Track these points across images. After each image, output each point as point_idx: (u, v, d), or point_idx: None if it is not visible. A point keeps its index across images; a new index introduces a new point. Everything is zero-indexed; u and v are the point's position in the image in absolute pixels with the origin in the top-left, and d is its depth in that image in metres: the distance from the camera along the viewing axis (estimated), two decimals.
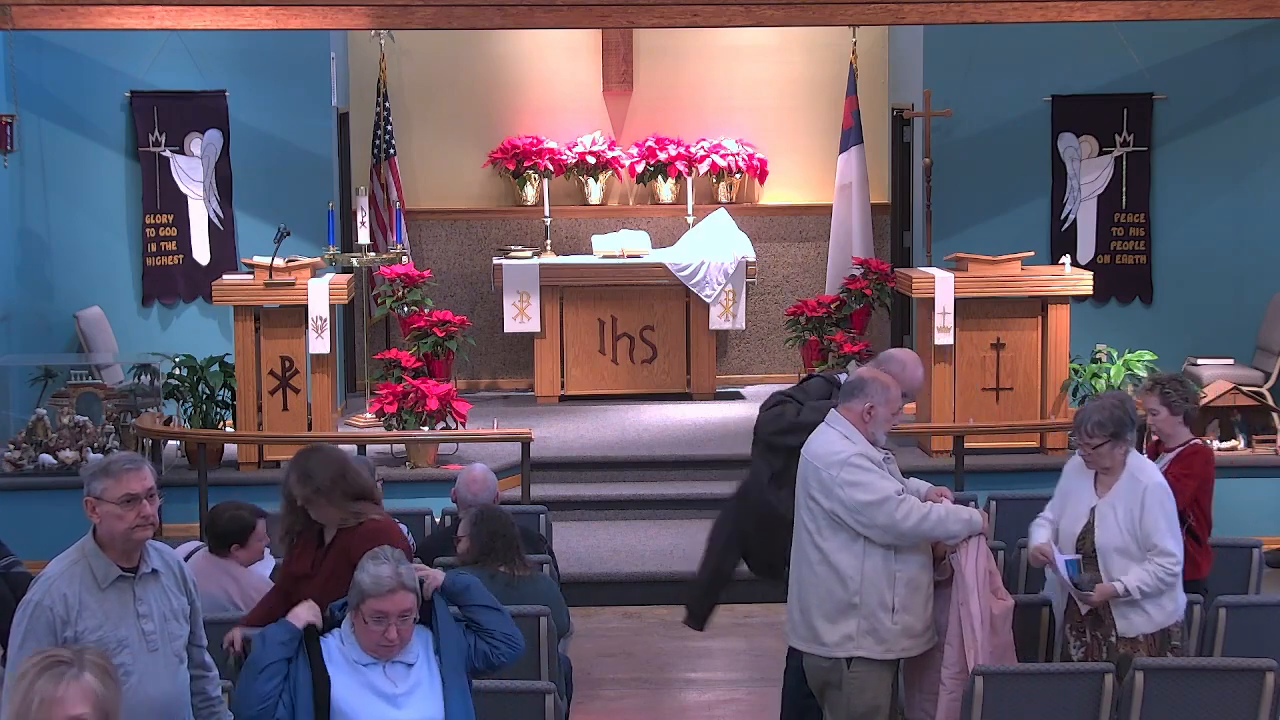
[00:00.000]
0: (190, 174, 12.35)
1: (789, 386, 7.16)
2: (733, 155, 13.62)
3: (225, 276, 11.37)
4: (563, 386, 12.90)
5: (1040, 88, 12.58)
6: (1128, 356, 11.03)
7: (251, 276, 11.01)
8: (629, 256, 12.96)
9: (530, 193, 13.61)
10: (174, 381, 10.88)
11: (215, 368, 10.87)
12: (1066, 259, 11.22)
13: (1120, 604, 6.07)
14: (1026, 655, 6.28)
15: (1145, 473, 6.25)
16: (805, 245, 13.87)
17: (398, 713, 4.79)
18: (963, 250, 11.43)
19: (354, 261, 11.77)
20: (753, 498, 6.97)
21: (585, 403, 12.74)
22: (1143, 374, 10.86)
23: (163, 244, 12.37)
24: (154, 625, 4.76)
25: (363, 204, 11.97)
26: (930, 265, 11.93)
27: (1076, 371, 11.04)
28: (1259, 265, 12.47)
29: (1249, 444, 10.84)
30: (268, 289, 10.80)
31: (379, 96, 13.19)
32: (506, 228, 13.69)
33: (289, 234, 11.07)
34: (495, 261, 12.95)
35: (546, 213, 13.17)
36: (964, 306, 10.87)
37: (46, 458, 10.42)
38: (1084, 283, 11.06)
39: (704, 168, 13.57)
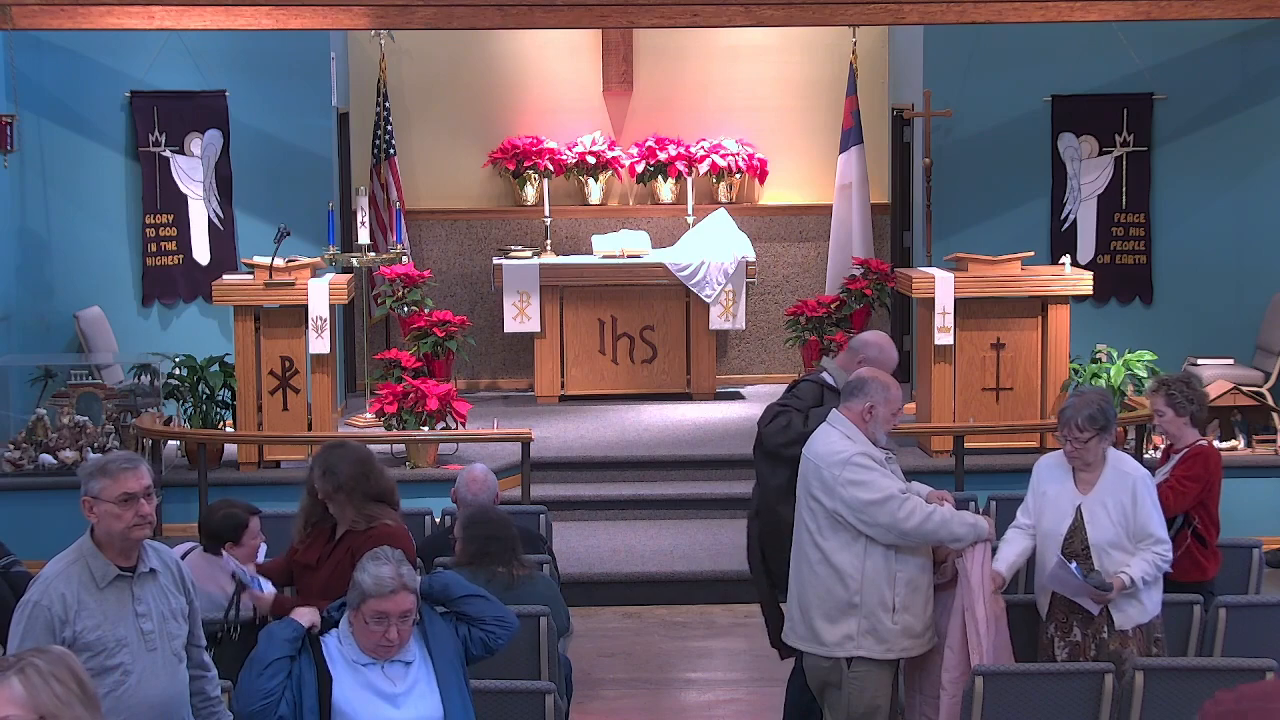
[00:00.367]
0: (190, 174, 12.35)
1: (781, 395, 7.17)
2: (733, 155, 13.62)
3: (225, 276, 11.37)
4: (563, 386, 12.89)
5: (1040, 88, 12.58)
6: (1128, 356, 11.02)
7: (251, 276, 11.01)
8: (629, 256, 12.96)
9: (530, 193, 13.61)
10: (174, 381, 10.88)
11: (215, 368, 10.87)
12: (1066, 259, 11.21)
13: (1119, 597, 6.07)
14: (1025, 655, 6.27)
15: (1128, 464, 6.27)
16: (805, 245, 13.87)
17: (397, 712, 4.79)
18: (963, 250, 11.43)
19: (354, 261, 11.77)
20: (764, 514, 7.00)
21: (585, 403, 12.74)
22: (1143, 374, 10.86)
23: (163, 244, 12.37)
24: (152, 625, 4.76)
25: (363, 204, 11.97)
26: (930, 265, 11.93)
27: (1076, 371, 11.03)
28: (1259, 265, 12.47)
29: (1249, 444, 10.84)
30: (268, 289, 10.80)
31: (379, 96, 13.19)
32: (506, 228, 13.69)
33: (289, 234, 11.07)
34: (495, 261, 12.95)
35: (546, 213, 13.17)
36: (964, 306, 10.86)
37: (46, 458, 10.42)
38: (1084, 283, 11.06)
39: (704, 168, 13.57)
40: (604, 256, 13.01)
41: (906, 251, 13.44)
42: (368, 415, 11.49)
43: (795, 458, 6.44)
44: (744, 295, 12.88)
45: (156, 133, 12.24)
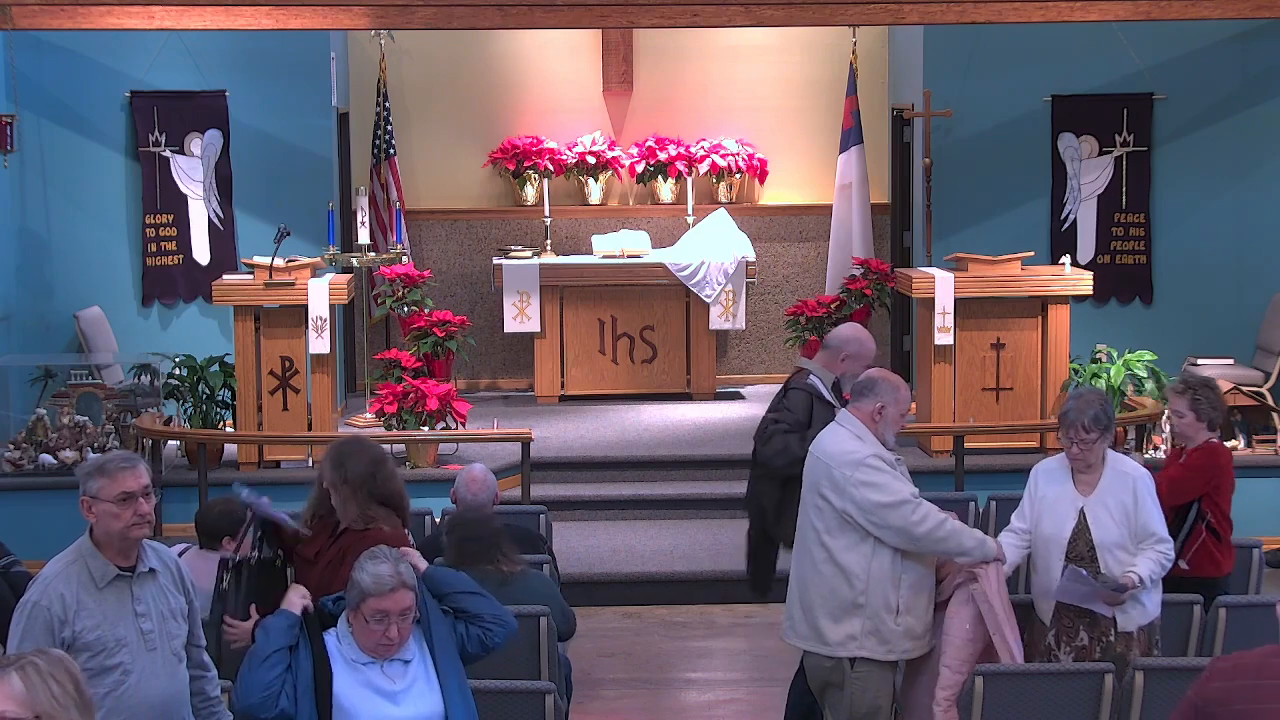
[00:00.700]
0: (190, 174, 12.35)
1: (773, 406, 7.28)
2: (733, 155, 13.62)
3: (225, 276, 11.37)
4: (563, 386, 12.89)
5: (1040, 88, 12.58)
6: (1128, 356, 11.02)
7: (251, 276, 11.01)
8: (629, 256, 12.96)
9: (530, 193, 13.61)
10: (174, 381, 10.88)
11: (215, 368, 10.87)
12: (1066, 259, 11.21)
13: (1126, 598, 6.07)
14: (1025, 655, 6.26)
15: (1126, 464, 6.27)
16: (805, 245, 13.87)
17: (398, 710, 4.79)
18: (963, 250, 11.43)
19: (354, 261, 11.77)
20: (755, 529, 7.34)
21: (585, 403, 12.74)
22: (1143, 374, 10.87)
23: (163, 244, 12.37)
24: (152, 624, 4.76)
25: (363, 204, 11.97)
26: (930, 265, 11.93)
27: (1076, 371, 11.03)
28: (1259, 265, 12.47)
29: (1249, 444, 10.84)
30: (268, 289, 10.80)
31: (379, 96, 13.19)
32: (506, 228, 13.69)
33: (289, 234, 11.07)
34: (495, 261, 12.95)
35: (546, 213, 13.17)
36: (964, 306, 10.86)
37: (46, 458, 10.42)
38: (1084, 283, 11.06)
39: (704, 168, 13.57)
40: (604, 256, 13.01)
41: (906, 251, 13.43)
42: (368, 415, 11.49)
43: (793, 476, 6.51)
44: (744, 295, 12.88)
45: (156, 133, 12.24)
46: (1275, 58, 12.48)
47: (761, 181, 13.89)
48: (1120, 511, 6.11)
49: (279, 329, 10.88)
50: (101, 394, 10.81)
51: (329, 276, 11.16)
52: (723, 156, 13.59)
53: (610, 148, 13.67)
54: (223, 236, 12.43)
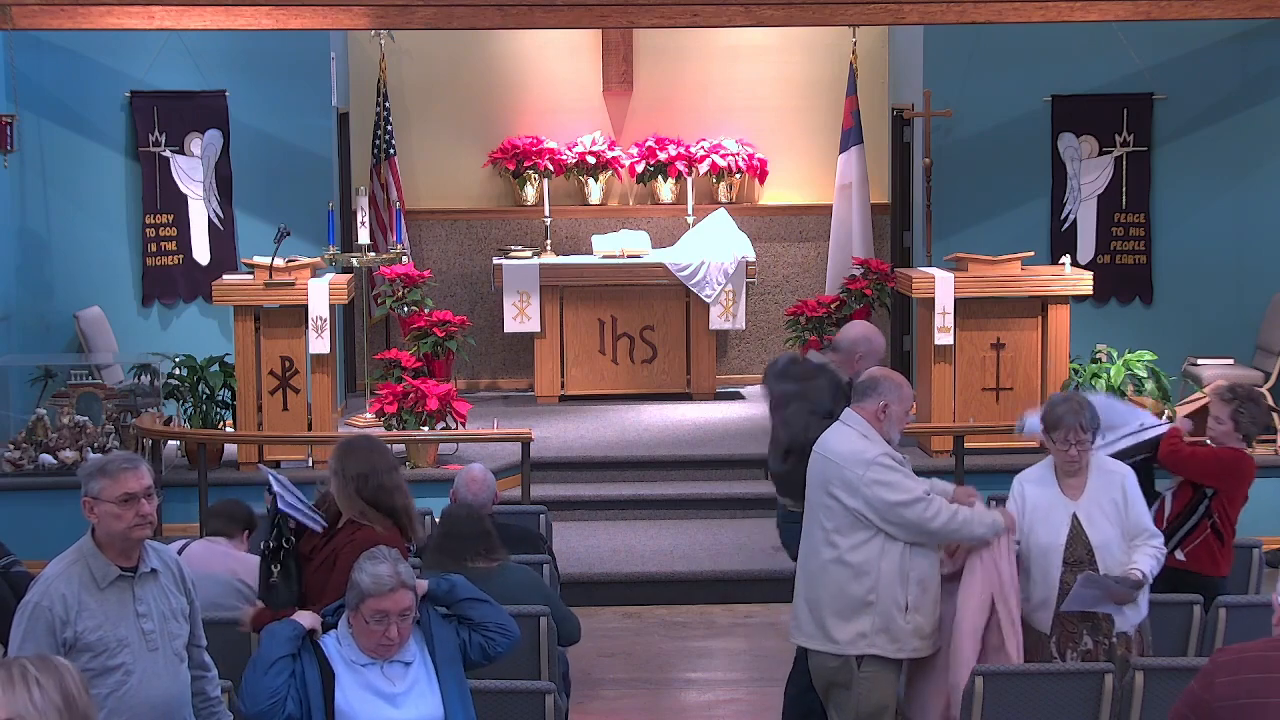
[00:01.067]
0: (190, 174, 12.35)
1: (801, 364, 7.33)
2: (733, 155, 13.62)
3: (225, 276, 11.37)
4: (563, 386, 12.89)
5: (1040, 88, 12.58)
6: (1128, 356, 11.02)
7: (251, 276, 11.01)
8: (629, 256, 12.96)
9: (530, 193, 13.61)
10: (174, 381, 10.88)
11: (215, 368, 10.88)
12: (1066, 259, 11.21)
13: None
14: (1026, 655, 6.26)
15: (1109, 463, 6.29)
16: (805, 245, 13.87)
17: (397, 712, 4.79)
18: (963, 250, 11.43)
19: (354, 261, 11.77)
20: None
21: (585, 403, 12.74)
22: (1143, 374, 10.87)
23: (163, 244, 12.37)
24: (153, 625, 4.76)
25: (363, 204, 11.97)
26: (930, 265, 11.93)
27: (1076, 371, 11.03)
28: (1259, 265, 12.47)
29: (1249, 444, 10.80)
30: (268, 289, 10.80)
31: (379, 96, 13.19)
32: (506, 228, 13.69)
33: (289, 234, 11.07)
34: (495, 261, 12.95)
35: (546, 213, 13.17)
36: (964, 306, 10.87)
37: (46, 458, 10.42)
38: (1084, 283, 11.06)
39: (704, 168, 13.57)
40: (604, 256, 13.01)
41: (906, 251, 13.43)
42: (368, 415, 11.48)
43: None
44: (744, 295, 12.88)
45: (156, 133, 12.24)
46: (1275, 58, 12.48)
47: (761, 181, 13.89)
48: (1113, 510, 6.12)
49: (279, 329, 10.88)
50: (101, 394, 10.81)
51: (329, 276, 11.16)
52: (723, 156, 13.59)
53: (610, 148, 13.67)
54: (223, 236, 12.43)
